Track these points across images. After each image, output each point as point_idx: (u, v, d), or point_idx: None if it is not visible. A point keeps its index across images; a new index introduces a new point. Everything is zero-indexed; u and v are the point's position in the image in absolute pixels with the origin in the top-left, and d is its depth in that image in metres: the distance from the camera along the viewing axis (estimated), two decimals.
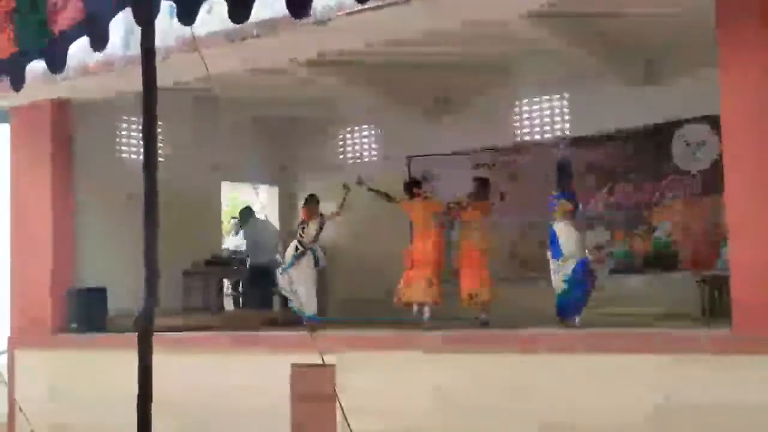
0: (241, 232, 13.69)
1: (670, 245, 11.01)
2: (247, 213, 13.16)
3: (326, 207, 10.31)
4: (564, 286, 8.30)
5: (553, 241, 8.47)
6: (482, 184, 9.68)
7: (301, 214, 10.29)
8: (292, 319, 9.88)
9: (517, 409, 6.96)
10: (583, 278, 8.33)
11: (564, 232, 8.44)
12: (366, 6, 6.76)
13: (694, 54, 9.17)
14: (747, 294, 6.24)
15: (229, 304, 13.57)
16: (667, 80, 10.60)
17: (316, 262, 9.95)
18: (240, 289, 13.46)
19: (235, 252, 13.54)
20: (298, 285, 9.60)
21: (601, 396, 6.65)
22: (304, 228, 9.95)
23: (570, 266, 8.30)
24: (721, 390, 6.12)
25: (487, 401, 7.15)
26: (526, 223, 11.78)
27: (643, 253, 11.20)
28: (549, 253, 8.50)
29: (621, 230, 11.39)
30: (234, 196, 16.80)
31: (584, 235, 8.99)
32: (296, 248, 9.86)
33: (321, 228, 10.00)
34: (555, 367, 6.96)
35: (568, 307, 8.31)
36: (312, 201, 10.13)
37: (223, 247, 13.83)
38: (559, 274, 8.35)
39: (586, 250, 8.63)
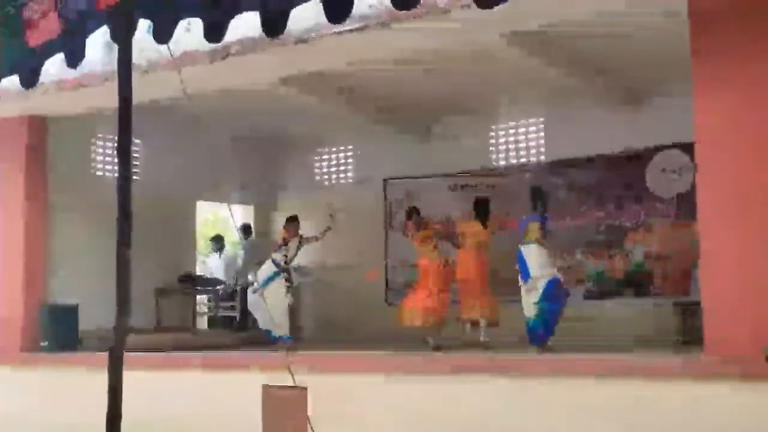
0: (218, 253, 13.59)
1: (646, 268, 11.09)
2: (247, 230, 13.07)
3: (303, 227, 10.30)
4: (535, 310, 8.31)
5: (522, 263, 8.50)
6: (415, 212, 9.81)
7: (279, 234, 10.26)
8: (264, 340, 9.85)
9: None
10: (553, 296, 8.35)
11: (532, 253, 8.47)
12: (346, 28, 6.79)
13: (674, 81, 9.27)
14: (719, 319, 6.27)
15: (203, 323, 13.47)
16: (646, 106, 10.72)
17: (290, 281, 9.92)
18: (219, 308, 13.35)
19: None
20: (272, 305, 9.56)
21: (572, 421, 6.64)
22: (282, 247, 9.93)
23: (540, 287, 8.31)
24: (694, 414, 6.14)
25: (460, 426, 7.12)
26: (503, 245, 11.83)
27: (618, 275, 11.27)
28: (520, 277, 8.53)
29: (597, 253, 11.46)
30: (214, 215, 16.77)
31: (555, 257, 9.03)
32: (276, 268, 9.83)
33: (299, 249, 9.99)
34: (527, 391, 6.93)
35: (541, 331, 8.33)
36: (293, 222, 10.13)
37: (200, 268, 13.73)
38: (530, 296, 8.37)
39: (556, 269, 8.65)
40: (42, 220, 10.79)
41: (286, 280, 9.79)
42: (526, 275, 8.41)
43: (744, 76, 6.33)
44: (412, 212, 9.86)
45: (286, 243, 9.93)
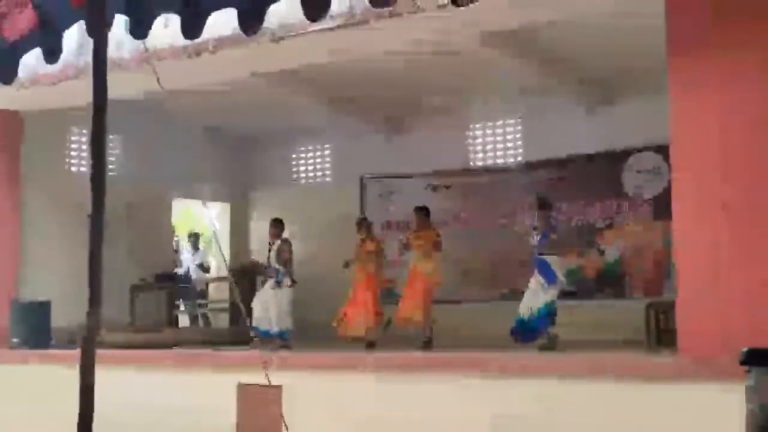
0: (194, 251, 13.51)
1: (619, 269, 11.16)
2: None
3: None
4: (543, 310, 8.56)
5: (548, 269, 8.73)
6: (424, 213, 9.97)
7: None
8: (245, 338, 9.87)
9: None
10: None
11: (555, 262, 8.79)
12: (322, 26, 6.78)
13: (649, 82, 9.34)
14: (693, 320, 6.32)
15: (184, 321, 13.43)
16: (621, 108, 10.79)
17: (278, 283, 10.02)
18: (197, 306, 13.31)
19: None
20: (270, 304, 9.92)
21: (551, 419, 6.67)
22: (269, 249, 10.16)
23: (557, 292, 8.66)
24: (667, 415, 6.18)
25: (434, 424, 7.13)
26: (479, 243, 11.87)
27: (593, 276, 11.33)
28: (539, 279, 8.69)
29: (572, 253, 11.51)
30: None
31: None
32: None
33: (283, 251, 10.08)
34: (504, 389, 6.95)
35: (536, 330, 8.59)
36: (275, 223, 10.31)
37: (180, 266, 13.66)
38: (544, 298, 8.60)
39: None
40: (15, 216, 10.69)
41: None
42: (553, 279, 8.68)
43: (719, 77, 6.38)
44: (421, 212, 9.98)
45: (270, 245, 10.16)
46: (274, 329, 9.81)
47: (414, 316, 9.43)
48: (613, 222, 11.30)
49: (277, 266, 10.07)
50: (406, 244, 10.06)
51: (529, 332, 8.63)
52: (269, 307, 9.91)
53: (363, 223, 10.42)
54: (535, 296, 8.69)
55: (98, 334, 3.60)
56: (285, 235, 10.35)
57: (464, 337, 9.55)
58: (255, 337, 9.53)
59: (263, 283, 10.34)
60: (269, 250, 10.23)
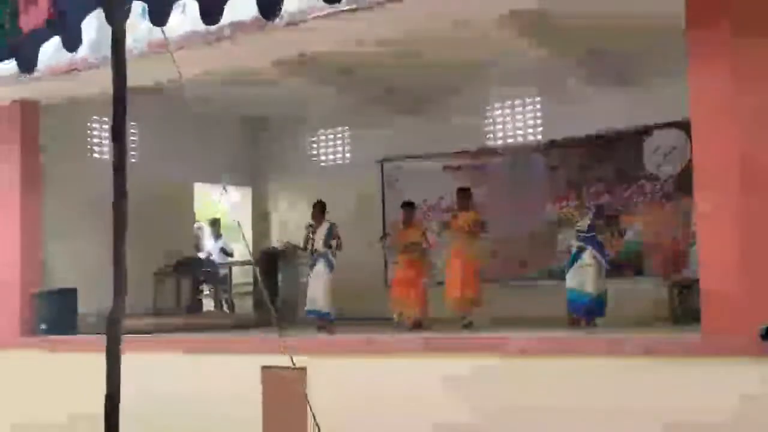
0: (216, 237, 13.61)
1: (641, 248, 11.11)
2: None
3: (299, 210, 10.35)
4: (604, 294, 8.93)
5: (602, 249, 9.10)
6: (466, 194, 9.96)
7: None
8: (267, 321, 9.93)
9: (489, 414, 6.97)
10: None
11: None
12: (338, 9, 6.77)
13: (668, 60, 9.27)
14: (716, 297, 6.30)
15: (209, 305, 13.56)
16: (640, 86, 10.71)
17: (330, 266, 9.97)
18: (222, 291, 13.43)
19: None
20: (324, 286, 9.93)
21: (566, 400, 6.67)
22: (313, 232, 10.07)
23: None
24: (690, 393, 6.17)
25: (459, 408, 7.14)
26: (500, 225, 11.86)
27: (614, 255, 11.28)
28: (595, 256, 8.98)
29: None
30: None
31: None
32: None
33: (330, 235, 10.01)
34: (524, 370, 6.95)
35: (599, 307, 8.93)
36: (319, 206, 10.20)
37: (203, 250, 13.76)
38: (601, 284, 8.95)
39: None
40: (38, 204, 10.78)
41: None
42: (607, 261, 9.11)
43: (738, 50, 6.33)
44: (463, 192, 9.96)
45: (313, 228, 10.10)
46: (328, 310, 9.90)
47: (464, 297, 9.45)
48: (633, 202, 11.22)
49: (324, 249, 10.03)
50: (447, 223, 10.10)
51: (593, 310, 8.89)
52: (322, 288, 9.93)
53: (408, 208, 10.29)
54: (589, 274, 8.89)
55: (123, 318, 3.63)
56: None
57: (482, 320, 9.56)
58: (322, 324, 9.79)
59: (311, 266, 10.16)
60: (312, 232, 10.10)
